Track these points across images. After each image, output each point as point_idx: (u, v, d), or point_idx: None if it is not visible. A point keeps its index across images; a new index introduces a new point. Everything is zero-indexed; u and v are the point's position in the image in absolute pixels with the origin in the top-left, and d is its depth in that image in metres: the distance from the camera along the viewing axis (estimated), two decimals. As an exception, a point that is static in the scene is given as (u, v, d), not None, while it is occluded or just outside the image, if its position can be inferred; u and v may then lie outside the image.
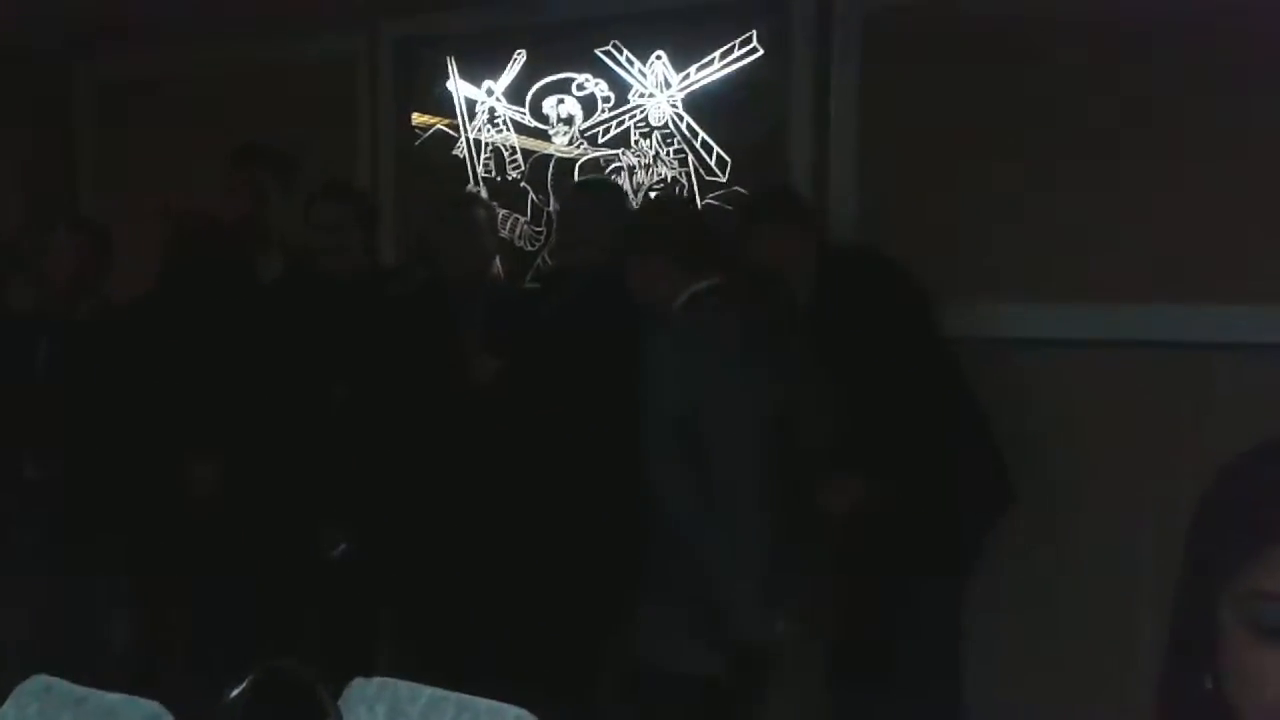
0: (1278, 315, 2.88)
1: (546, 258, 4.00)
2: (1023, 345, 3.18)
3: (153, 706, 1.79)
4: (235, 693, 1.60)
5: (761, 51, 3.62)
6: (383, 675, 1.90)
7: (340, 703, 1.88)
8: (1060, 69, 3.13)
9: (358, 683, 1.90)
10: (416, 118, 4.25)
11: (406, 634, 3.40)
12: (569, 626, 3.06)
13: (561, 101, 3.96)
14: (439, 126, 4.21)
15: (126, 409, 3.48)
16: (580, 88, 3.92)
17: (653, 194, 3.81)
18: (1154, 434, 3.02)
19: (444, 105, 4.19)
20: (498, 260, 3.55)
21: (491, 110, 4.09)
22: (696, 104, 3.74)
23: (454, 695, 1.83)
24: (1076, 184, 3.13)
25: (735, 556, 2.59)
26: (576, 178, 3.89)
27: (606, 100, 3.88)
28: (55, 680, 1.86)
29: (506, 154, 4.09)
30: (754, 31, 3.62)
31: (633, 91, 3.84)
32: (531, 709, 1.74)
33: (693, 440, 2.59)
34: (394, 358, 3.30)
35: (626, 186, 3.81)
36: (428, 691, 1.85)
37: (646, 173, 3.83)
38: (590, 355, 2.99)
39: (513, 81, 4.05)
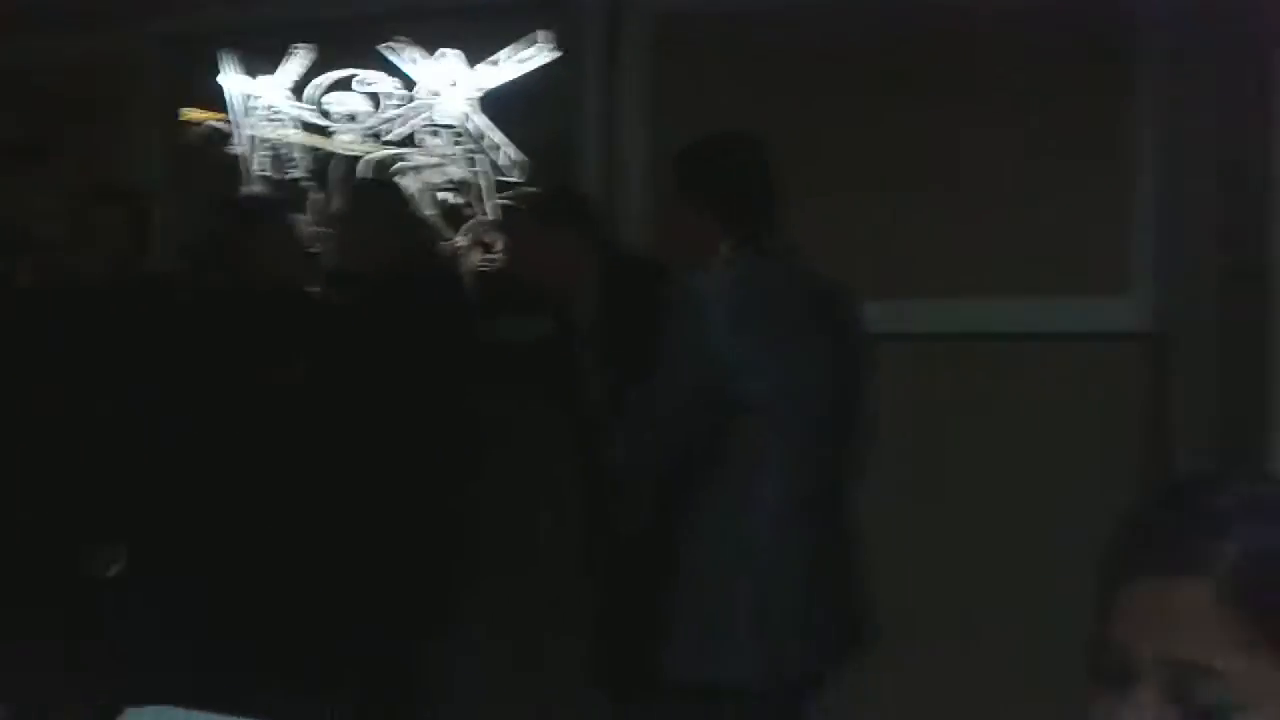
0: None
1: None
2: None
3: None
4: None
5: (554, 53, 3.59)
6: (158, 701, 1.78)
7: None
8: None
9: (131, 712, 1.77)
10: (189, 114, 4.02)
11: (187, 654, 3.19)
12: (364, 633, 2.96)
13: (345, 98, 3.83)
14: (212, 123, 4.00)
15: None
16: (364, 83, 3.80)
17: (441, 195, 3.72)
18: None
19: (219, 102, 3.98)
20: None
21: (269, 106, 3.91)
22: (490, 104, 3.67)
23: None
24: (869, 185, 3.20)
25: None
26: (356, 177, 3.77)
27: (392, 97, 3.77)
28: None
29: (285, 152, 3.91)
30: (545, 31, 3.58)
31: (420, 88, 3.74)
32: None
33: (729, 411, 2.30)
34: (185, 366, 3.10)
35: (414, 186, 3.70)
36: (203, 717, 1.74)
37: (436, 172, 3.73)
38: (389, 361, 2.90)
39: (293, 77, 3.88)
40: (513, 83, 3.64)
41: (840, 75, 3.24)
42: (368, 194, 3.43)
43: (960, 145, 3.11)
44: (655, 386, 2.31)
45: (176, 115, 4.03)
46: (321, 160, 3.88)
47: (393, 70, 3.75)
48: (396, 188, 3.58)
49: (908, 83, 3.15)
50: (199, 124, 4.01)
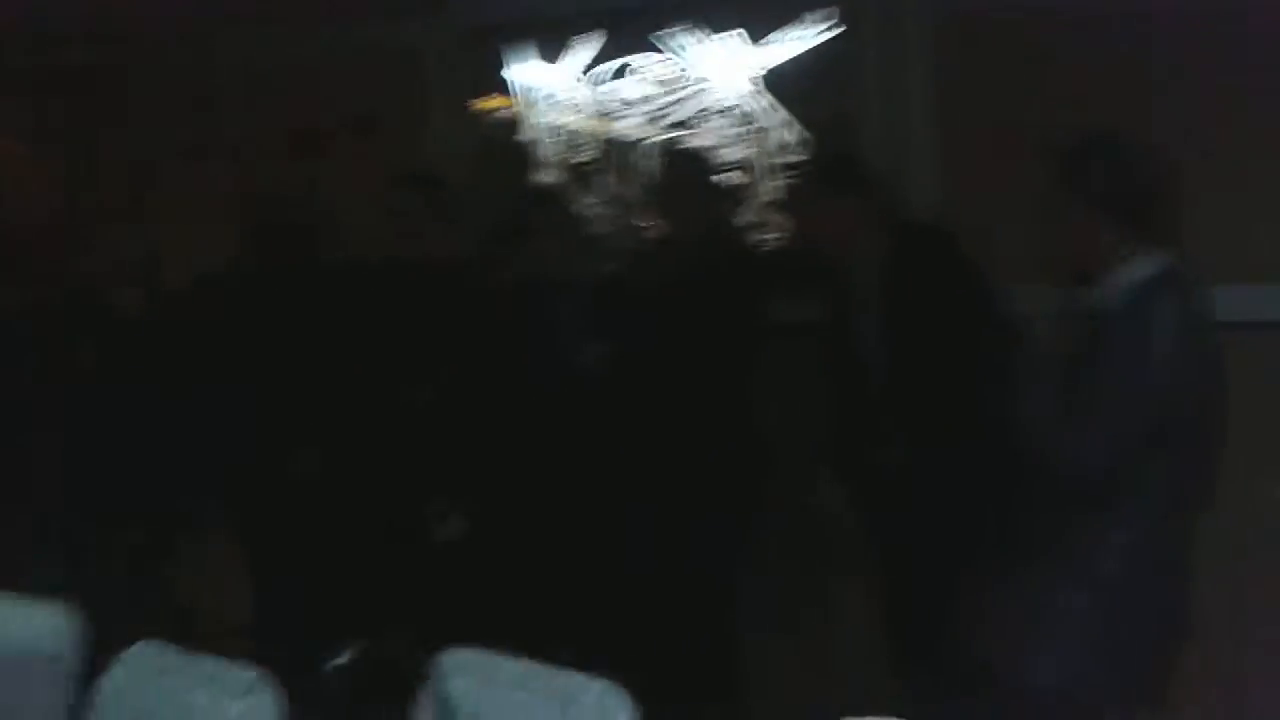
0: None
1: (619, 239, 4.01)
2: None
3: (252, 674, 1.83)
4: (336, 662, 1.62)
5: (835, 29, 3.60)
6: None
7: (436, 671, 1.91)
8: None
9: (450, 653, 1.93)
10: (484, 103, 4.27)
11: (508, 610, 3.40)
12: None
13: (630, 83, 3.96)
14: (507, 112, 4.23)
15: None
16: (649, 69, 3.92)
17: (726, 174, 3.81)
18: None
19: (512, 90, 4.21)
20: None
21: (557, 94, 4.10)
22: (770, 83, 3.72)
23: (542, 668, 1.86)
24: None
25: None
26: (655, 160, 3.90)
27: (677, 80, 3.87)
28: (160, 646, 1.91)
29: (572, 138, 4.10)
30: (834, 8, 3.59)
31: (701, 71, 3.82)
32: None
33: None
34: (496, 348, 3.29)
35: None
36: (518, 664, 1.88)
37: (721, 152, 3.82)
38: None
39: (582, 64, 4.05)
40: (793, 61, 3.67)
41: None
42: (682, 165, 3.48)
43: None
44: (1110, 394, 2.22)
45: (471, 103, 4.29)
46: (608, 144, 4.04)
47: (675, 54, 3.86)
48: (706, 160, 3.67)
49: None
50: (493, 111, 4.25)
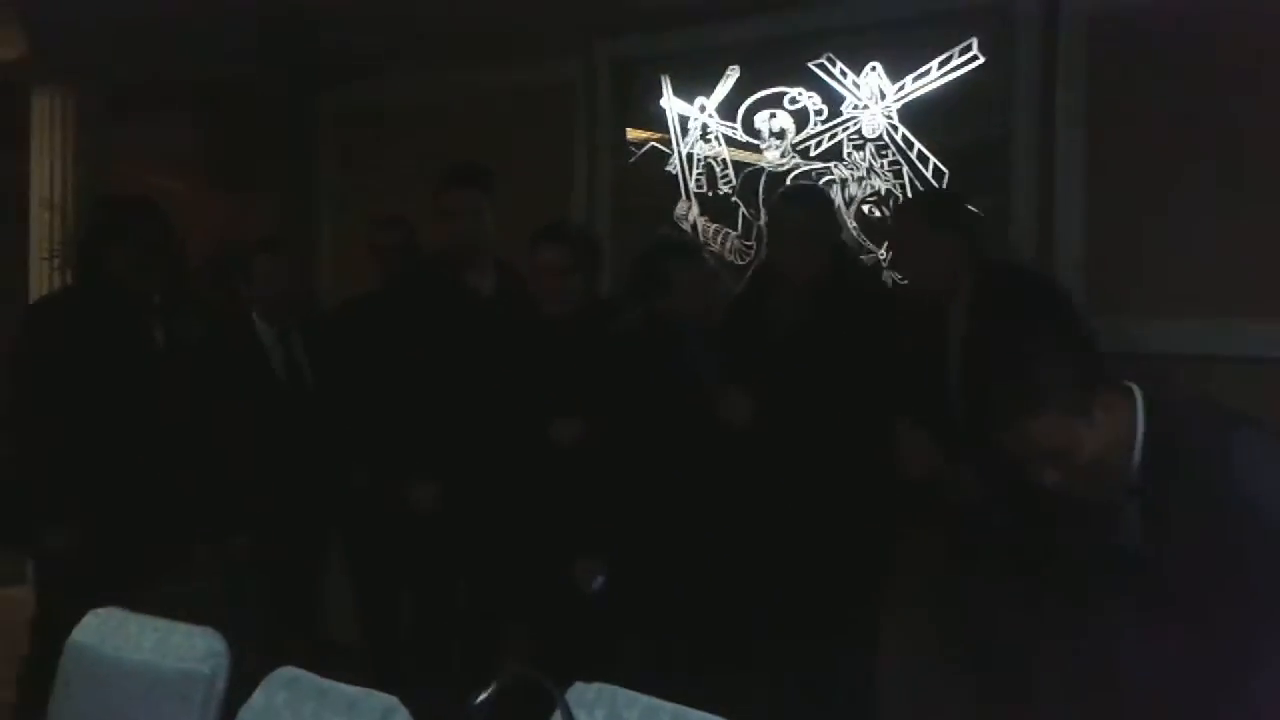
0: None
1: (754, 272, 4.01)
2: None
3: (390, 700, 1.89)
4: (481, 698, 1.66)
5: (982, 59, 3.55)
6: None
7: (560, 707, 1.93)
8: None
9: (578, 686, 1.96)
10: (631, 134, 4.34)
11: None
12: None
13: (774, 116, 3.97)
14: (653, 143, 4.29)
15: (356, 409, 3.67)
16: (793, 101, 3.92)
17: (865, 207, 3.78)
18: None
19: (658, 122, 4.27)
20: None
21: (704, 126, 4.14)
22: (913, 114, 3.69)
23: (669, 705, 1.87)
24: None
25: None
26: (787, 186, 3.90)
27: (819, 113, 3.87)
28: (300, 672, 1.99)
29: (718, 168, 4.13)
30: (974, 39, 3.55)
31: (846, 104, 3.82)
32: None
33: None
34: (623, 395, 3.30)
35: (839, 200, 3.79)
36: (644, 699, 1.89)
37: (859, 185, 3.79)
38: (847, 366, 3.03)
39: (725, 97, 4.08)
40: (938, 93, 3.63)
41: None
42: (801, 201, 3.48)
43: None
44: None
45: (622, 136, 4.35)
46: (752, 176, 4.05)
47: (820, 86, 3.86)
48: (827, 195, 3.67)
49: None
50: (642, 144, 4.31)
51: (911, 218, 3.22)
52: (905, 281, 3.46)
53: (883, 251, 3.75)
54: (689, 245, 3.84)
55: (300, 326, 3.77)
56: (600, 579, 3.28)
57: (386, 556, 3.80)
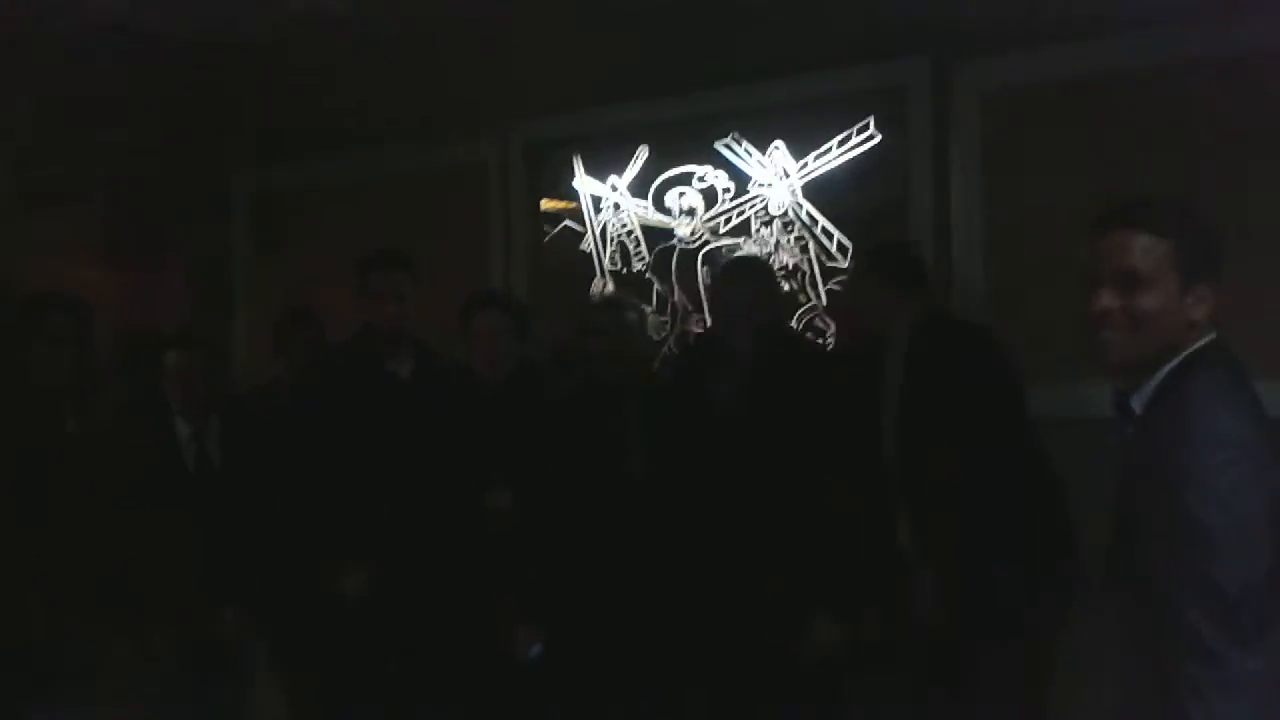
0: None
1: (672, 346, 4.09)
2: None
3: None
4: None
5: (879, 137, 3.68)
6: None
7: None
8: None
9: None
10: (546, 206, 4.41)
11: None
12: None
13: (683, 194, 4.07)
14: (567, 223, 4.36)
15: (279, 497, 3.64)
16: (701, 179, 4.03)
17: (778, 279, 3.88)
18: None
19: (570, 202, 4.35)
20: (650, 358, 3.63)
21: (616, 205, 4.22)
22: (817, 191, 3.81)
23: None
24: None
25: None
26: (703, 269, 3.98)
27: (727, 191, 3.98)
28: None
29: (631, 247, 4.21)
30: (870, 117, 3.69)
31: (752, 182, 3.93)
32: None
33: None
34: (556, 461, 3.34)
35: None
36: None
37: (768, 260, 3.89)
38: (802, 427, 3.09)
39: (636, 176, 4.18)
40: (841, 169, 3.76)
41: (1169, 141, 3.16)
42: (747, 266, 3.56)
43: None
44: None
45: (537, 216, 4.42)
46: (665, 253, 4.14)
47: (727, 165, 3.97)
48: (769, 266, 3.76)
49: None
50: (556, 224, 4.38)
51: (858, 265, 3.32)
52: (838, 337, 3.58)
53: (792, 323, 3.84)
54: (618, 300, 3.91)
55: (220, 416, 3.75)
56: (537, 647, 3.29)
57: (317, 649, 3.74)
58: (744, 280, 3.34)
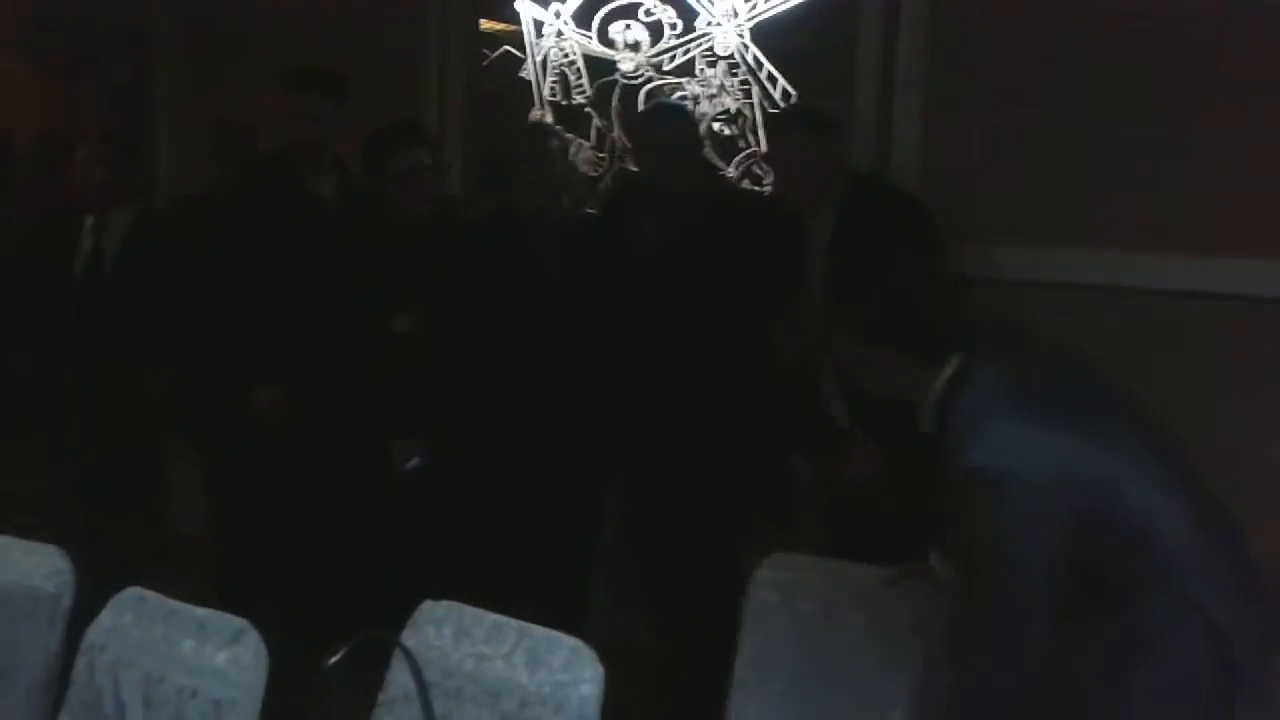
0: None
1: (609, 182, 4.05)
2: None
3: (239, 623, 1.92)
4: (333, 660, 1.67)
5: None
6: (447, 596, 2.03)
7: (409, 622, 2.00)
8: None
9: (426, 605, 2.02)
10: (485, 26, 4.27)
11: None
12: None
13: (629, 26, 3.97)
14: (506, 48, 4.24)
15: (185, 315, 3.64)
16: (648, 13, 3.93)
17: (715, 125, 3.84)
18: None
19: (512, 25, 4.21)
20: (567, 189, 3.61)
21: (559, 33, 4.11)
22: (764, 34, 3.74)
23: (515, 623, 1.95)
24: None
25: None
26: (645, 102, 3.92)
27: (674, 27, 3.89)
28: (147, 593, 2.01)
29: (572, 78, 4.12)
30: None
31: (700, 19, 3.84)
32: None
33: None
34: (465, 285, 3.36)
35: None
36: (491, 618, 1.97)
37: (711, 102, 3.84)
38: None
39: (581, 3, 4.06)
40: (788, 14, 3.69)
41: None
42: (664, 115, 3.54)
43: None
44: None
45: (477, 35, 4.28)
46: (606, 87, 4.06)
47: (675, 0, 3.87)
48: (691, 114, 3.70)
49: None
50: (496, 48, 4.26)
51: (788, 124, 3.28)
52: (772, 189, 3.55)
53: (731, 169, 3.83)
54: (544, 127, 3.88)
55: (122, 218, 3.77)
56: (416, 460, 3.36)
57: (233, 458, 3.78)
58: (672, 120, 3.35)
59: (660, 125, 3.39)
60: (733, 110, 3.82)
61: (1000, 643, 1.92)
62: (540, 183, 3.37)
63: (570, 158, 3.94)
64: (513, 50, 4.23)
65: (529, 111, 4.19)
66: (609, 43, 4.02)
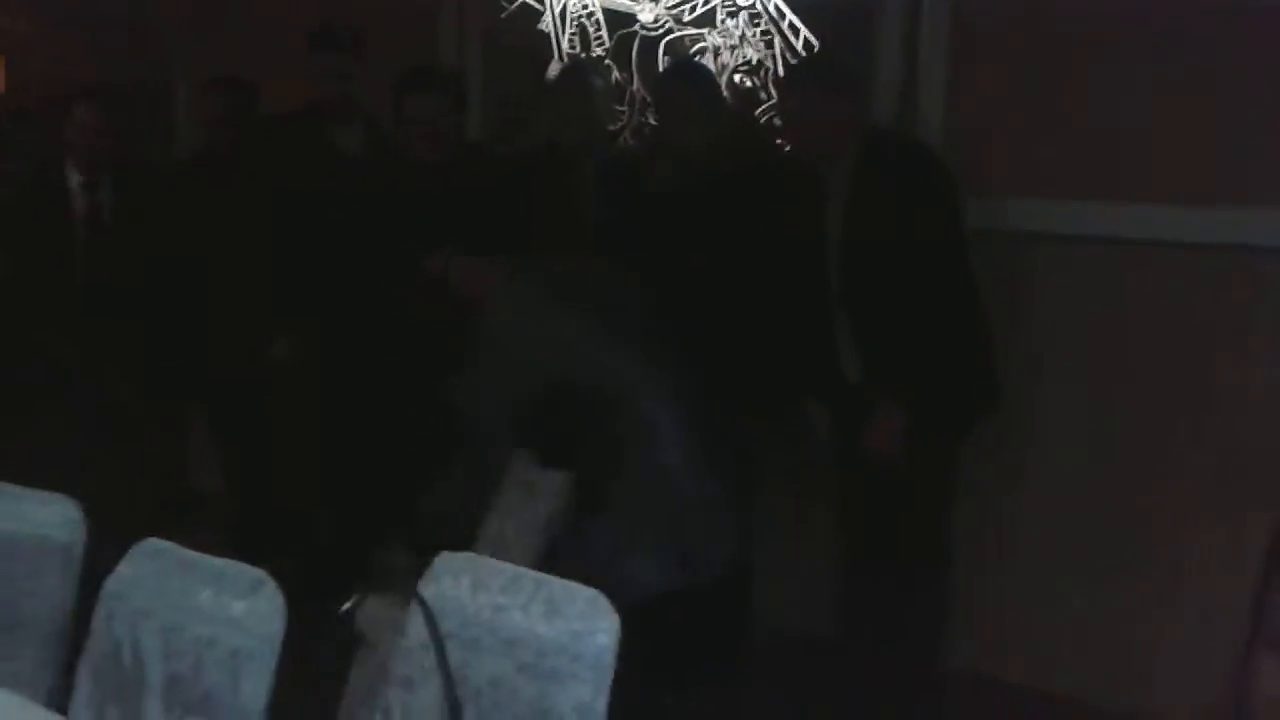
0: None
1: (628, 136, 4.00)
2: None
3: (257, 573, 1.91)
4: (347, 606, 1.67)
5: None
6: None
7: (428, 572, 1.99)
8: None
9: (445, 555, 2.01)
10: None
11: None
12: None
13: (654, -25, 3.91)
14: (525, 1, 4.18)
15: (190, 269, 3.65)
16: (672, -38, 3.87)
17: (736, 76, 3.78)
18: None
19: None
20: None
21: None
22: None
23: (531, 573, 1.94)
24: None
25: None
26: (664, 59, 3.86)
27: (696, -23, 3.83)
28: (166, 544, 2.00)
29: (591, 30, 4.06)
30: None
31: (721, -31, 3.78)
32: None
33: None
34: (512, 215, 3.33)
35: (711, 67, 3.78)
36: (509, 568, 1.96)
37: (732, 54, 3.78)
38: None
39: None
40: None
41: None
42: (684, 79, 3.50)
43: None
44: None
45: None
46: (626, 39, 4.00)
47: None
48: (711, 73, 3.66)
49: None
50: (512, 1, 4.20)
51: (798, 80, 3.22)
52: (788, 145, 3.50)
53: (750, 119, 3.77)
54: (582, 65, 3.85)
55: (117, 175, 3.78)
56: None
57: (249, 412, 3.79)
58: (684, 89, 3.32)
59: (679, 90, 3.36)
60: (754, 61, 3.76)
61: None
62: (585, 121, 3.36)
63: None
64: (531, 3, 4.17)
65: (548, 64, 4.14)
66: (635, -9, 3.96)
